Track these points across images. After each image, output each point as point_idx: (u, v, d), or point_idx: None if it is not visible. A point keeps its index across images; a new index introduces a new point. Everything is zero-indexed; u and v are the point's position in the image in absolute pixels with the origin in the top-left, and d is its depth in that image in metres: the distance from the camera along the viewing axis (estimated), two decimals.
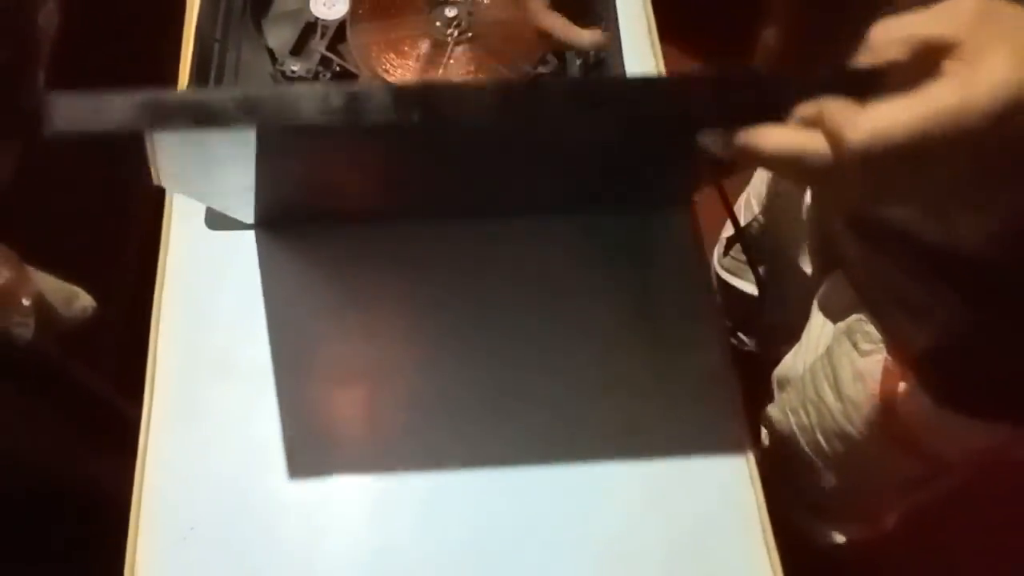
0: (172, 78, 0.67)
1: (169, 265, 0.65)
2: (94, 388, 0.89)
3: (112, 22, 0.91)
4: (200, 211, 0.66)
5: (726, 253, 0.97)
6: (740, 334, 1.06)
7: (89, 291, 0.75)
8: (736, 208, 0.92)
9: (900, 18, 0.35)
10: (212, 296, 0.64)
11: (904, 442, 0.67)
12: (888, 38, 0.34)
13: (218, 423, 0.60)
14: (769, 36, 1.42)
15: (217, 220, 0.65)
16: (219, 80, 0.63)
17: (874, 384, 0.65)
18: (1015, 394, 0.59)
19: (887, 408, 0.65)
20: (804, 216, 0.76)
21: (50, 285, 0.73)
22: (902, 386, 0.63)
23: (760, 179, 0.88)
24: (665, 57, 0.74)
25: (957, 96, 0.32)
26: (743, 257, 0.94)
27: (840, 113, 0.33)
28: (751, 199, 0.89)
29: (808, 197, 0.74)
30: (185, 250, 0.65)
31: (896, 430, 0.66)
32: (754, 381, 0.86)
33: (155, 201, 0.69)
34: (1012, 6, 0.34)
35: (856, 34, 0.36)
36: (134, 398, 0.63)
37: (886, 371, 0.63)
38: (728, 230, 0.97)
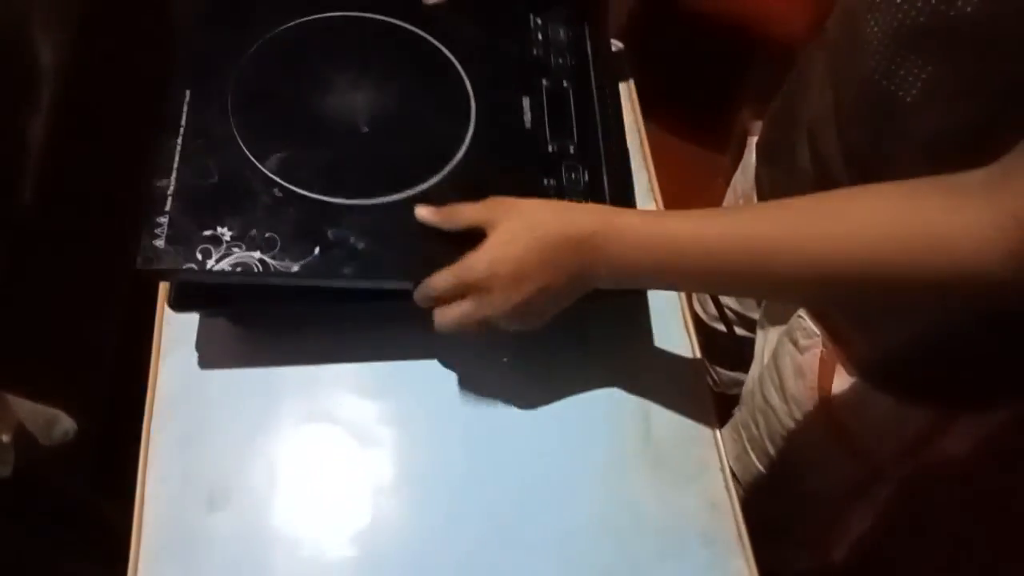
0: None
1: (158, 397, 0.65)
2: (73, 495, 0.87)
3: (100, 133, 0.94)
4: (190, 339, 0.67)
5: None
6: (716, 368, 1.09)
7: (64, 400, 0.75)
8: None
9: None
10: (203, 427, 0.64)
11: (840, 436, 0.71)
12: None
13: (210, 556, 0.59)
14: (746, 115, 1.57)
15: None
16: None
17: (813, 378, 0.69)
18: (940, 379, 0.64)
19: (825, 401, 0.69)
20: None
21: (29, 412, 0.72)
22: (837, 371, 0.67)
23: (727, 204, 0.93)
24: (648, 135, 0.82)
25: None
26: None
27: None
28: None
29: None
30: (176, 381, 0.65)
31: (832, 422, 0.70)
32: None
33: (130, 303, 0.71)
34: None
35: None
36: (112, 500, 0.63)
37: (822, 362, 0.68)
38: None
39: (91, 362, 0.94)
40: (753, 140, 0.83)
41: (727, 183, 1.62)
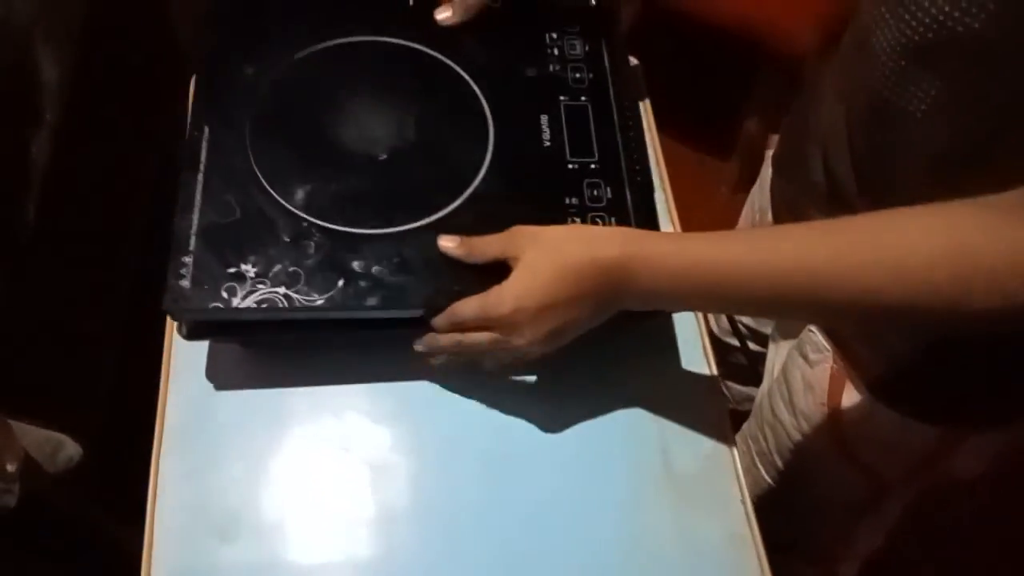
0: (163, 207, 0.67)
1: (168, 425, 0.64)
2: (83, 521, 0.85)
3: (105, 153, 0.93)
4: (199, 364, 0.66)
5: None
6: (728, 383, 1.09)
7: (67, 423, 0.73)
8: None
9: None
10: (213, 454, 0.63)
11: (848, 451, 0.72)
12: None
13: None
14: (751, 125, 1.57)
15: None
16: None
17: (822, 392, 0.70)
18: (950, 397, 0.65)
19: (834, 416, 0.70)
20: None
21: (34, 438, 0.71)
22: (847, 388, 0.68)
23: (743, 220, 0.93)
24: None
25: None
26: None
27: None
28: None
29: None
30: (185, 408, 0.65)
31: (841, 437, 0.71)
32: None
33: (131, 321, 0.69)
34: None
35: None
36: (125, 523, 0.62)
37: (832, 377, 0.69)
38: None
39: (93, 382, 0.93)
40: (769, 154, 0.82)
41: (731, 191, 1.65)
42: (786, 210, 0.76)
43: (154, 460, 0.63)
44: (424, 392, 0.66)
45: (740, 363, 0.93)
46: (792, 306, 0.54)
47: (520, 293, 0.54)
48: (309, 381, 0.66)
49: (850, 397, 0.68)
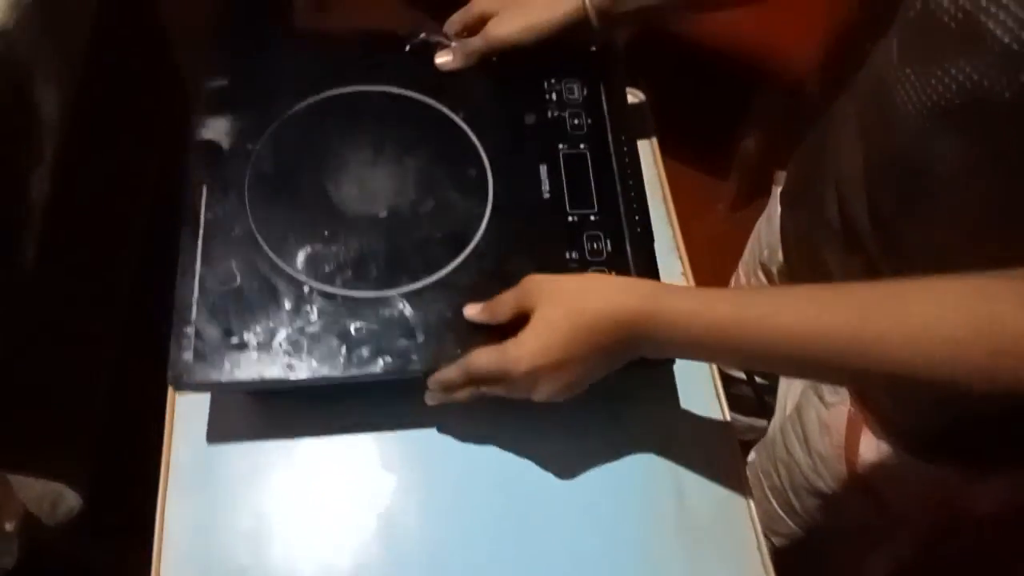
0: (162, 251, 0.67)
1: (172, 477, 0.63)
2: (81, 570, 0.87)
3: (104, 192, 0.93)
4: (201, 414, 0.66)
5: None
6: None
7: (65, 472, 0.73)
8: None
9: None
10: (218, 506, 0.62)
11: (866, 491, 0.71)
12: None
13: None
14: (748, 144, 1.55)
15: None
16: None
17: (839, 436, 0.69)
18: (971, 441, 0.65)
19: (851, 457, 0.69)
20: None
21: (33, 492, 0.71)
22: (864, 433, 0.67)
23: (748, 252, 0.92)
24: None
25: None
26: None
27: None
28: (739, 272, 0.94)
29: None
30: (189, 459, 0.64)
31: (858, 479, 0.70)
32: None
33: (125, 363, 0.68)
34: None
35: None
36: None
37: (850, 421, 0.68)
38: None
39: (88, 427, 0.92)
40: (777, 191, 0.82)
41: (729, 208, 1.65)
42: (797, 247, 0.75)
43: (159, 514, 0.62)
44: (432, 439, 0.66)
45: (745, 395, 0.93)
46: (817, 371, 0.53)
47: (537, 351, 0.54)
48: (315, 430, 0.66)
49: (869, 442, 0.68)
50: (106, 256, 0.94)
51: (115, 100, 0.94)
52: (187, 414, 0.66)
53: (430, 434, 0.66)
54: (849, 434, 0.69)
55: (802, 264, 0.76)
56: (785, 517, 0.82)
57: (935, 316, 0.45)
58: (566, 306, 0.54)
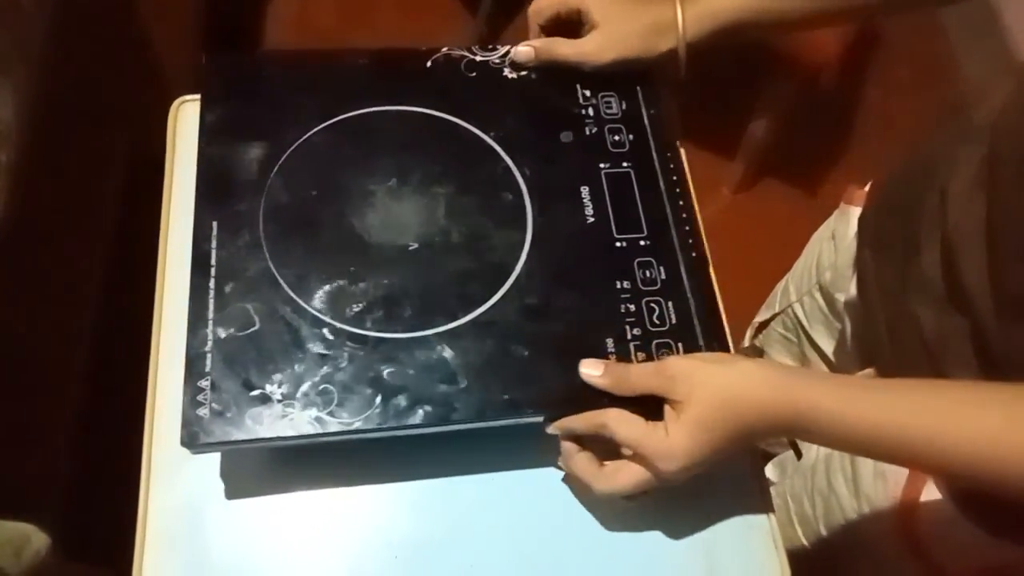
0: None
1: (150, 535, 0.55)
2: None
3: (64, 197, 0.85)
4: (183, 462, 0.55)
5: (755, 336, 0.98)
6: None
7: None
8: (773, 294, 0.94)
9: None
10: (204, 565, 0.55)
11: (913, 545, 0.67)
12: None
13: None
14: (757, 128, 1.50)
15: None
16: None
17: (896, 487, 0.65)
18: None
19: (906, 512, 0.65)
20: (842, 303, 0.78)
21: None
22: (927, 491, 0.64)
23: (803, 267, 0.88)
24: None
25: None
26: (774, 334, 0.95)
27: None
28: (789, 285, 0.90)
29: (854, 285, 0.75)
30: (170, 514, 0.56)
31: (908, 531, 0.66)
32: None
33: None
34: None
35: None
36: None
37: (912, 474, 0.64)
38: (760, 315, 0.97)
39: (51, 466, 0.85)
40: (854, 211, 0.76)
41: (733, 191, 1.62)
42: (879, 288, 0.70)
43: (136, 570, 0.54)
44: (443, 488, 0.59)
45: None
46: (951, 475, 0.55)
47: (692, 450, 0.51)
48: (313, 484, 0.58)
49: (930, 498, 0.64)
50: (67, 281, 0.86)
51: (77, 103, 0.85)
52: (166, 466, 0.57)
53: (442, 487, 0.59)
54: (909, 487, 0.65)
55: (884, 310, 0.70)
56: (809, 547, 0.78)
57: None
58: (722, 412, 0.51)
